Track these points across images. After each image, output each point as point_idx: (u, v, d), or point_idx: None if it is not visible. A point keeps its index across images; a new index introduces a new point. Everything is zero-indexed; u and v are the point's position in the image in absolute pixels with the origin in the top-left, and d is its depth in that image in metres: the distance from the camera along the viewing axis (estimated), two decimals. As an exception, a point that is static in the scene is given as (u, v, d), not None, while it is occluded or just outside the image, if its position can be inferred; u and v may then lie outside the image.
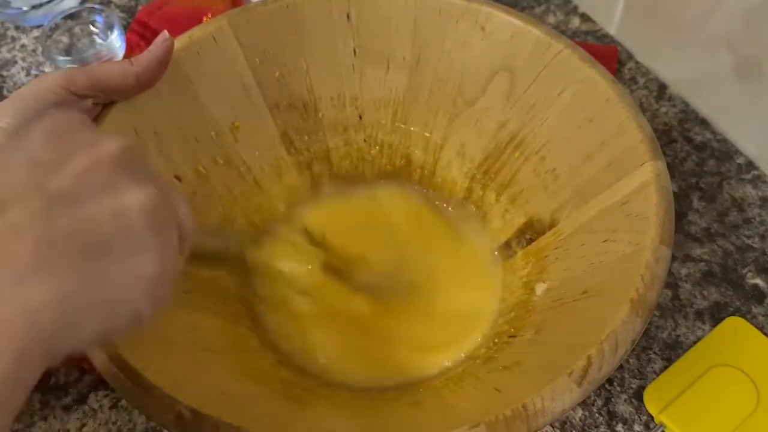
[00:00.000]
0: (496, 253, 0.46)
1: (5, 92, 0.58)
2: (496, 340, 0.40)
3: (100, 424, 0.42)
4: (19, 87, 0.58)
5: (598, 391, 0.43)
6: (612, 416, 0.42)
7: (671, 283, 0.47)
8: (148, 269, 0.25)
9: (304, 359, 0.42)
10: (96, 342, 0.26)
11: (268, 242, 0.45)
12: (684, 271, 0.47)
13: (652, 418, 0.41)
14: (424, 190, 0.50)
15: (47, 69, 0.60)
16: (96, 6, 0.60)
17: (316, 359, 0.42)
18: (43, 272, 0.23)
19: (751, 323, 0.44)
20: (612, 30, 0.60)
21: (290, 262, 0.43)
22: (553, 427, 0.42)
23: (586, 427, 0.42)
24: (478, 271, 0.45)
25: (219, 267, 0.42)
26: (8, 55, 0.61)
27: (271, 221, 0.47)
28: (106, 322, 0.25)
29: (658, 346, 0.44)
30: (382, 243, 0.47)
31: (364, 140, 0.49)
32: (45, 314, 0.22)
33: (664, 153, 0.38)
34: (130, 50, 0.60)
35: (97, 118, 0.39)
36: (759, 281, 0.47)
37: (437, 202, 0.49)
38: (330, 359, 0.42)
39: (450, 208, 0.49)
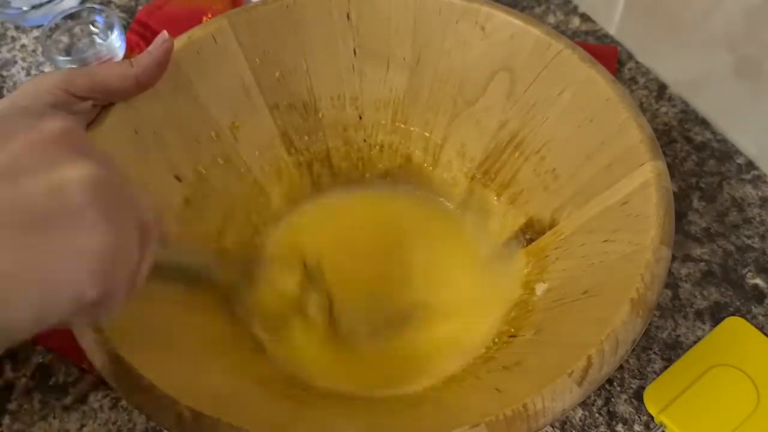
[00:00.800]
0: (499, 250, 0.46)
1: (5, 92, 0.58)
2: (496, 340, 0.40)
3: (100, 424, 0.42)
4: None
5: (598, 391, 0.43)
6: (612, 416, 0.42)
7: (671, 283, 0.47)
8: (90, 246, 0.24)
9: (301, 377, 0.42)
10: (37, 324, 0.24)
11: (261, 274, 0.44)
12: (684, 271, 0.47)
13: (652, 418, 0.41)
14: (424, 191, 0.49)
15: (47, 69, 0.60)
16: (96, 6, 0.60)
17: (313, 379, 0.41)
18: None
19: (751, 323, 0.44)
20: (612, 30, 0.60)
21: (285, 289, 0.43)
22: (553, 427, 0.42)
23: (586, 427, 0.42)
24: (478, 271, 0.45)
25: (195, 285, 0.39)
26: (8, 55, 0.61)
27: (269, 223, 0.47)
28: (43, 301, 0.24)
29: (658, 346, 0.44)
30: (382, 243, 0.47)
31: (364, 140, 0.49)
32: None
33: (664, 153, 0.38)
34: (130, 50, 0.60)
35: (96, 119, 0.39)
36: (759, 281, 0.47)
37: (437, 202, 0.49)
38: (327, 379, 0.41)
39: (450, 208, 0.49)
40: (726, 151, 0.53)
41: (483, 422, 0.29)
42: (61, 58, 0.56)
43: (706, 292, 0.46)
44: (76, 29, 0.61)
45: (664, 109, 0.55)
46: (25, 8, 0.61)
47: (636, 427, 0.42)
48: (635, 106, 0.39)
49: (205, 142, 0.44)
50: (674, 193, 0.38)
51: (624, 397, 0.43)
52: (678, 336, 0.45)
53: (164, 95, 0.42)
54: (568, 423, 0.42)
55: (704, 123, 0.55)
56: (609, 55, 0.58)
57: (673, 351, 0.44)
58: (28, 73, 0.60)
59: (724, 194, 0.51)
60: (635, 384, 0.43)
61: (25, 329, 0.24)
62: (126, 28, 0.62)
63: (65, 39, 0.60)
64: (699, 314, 0.46)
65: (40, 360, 0.45)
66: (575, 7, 0.63)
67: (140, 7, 0.64)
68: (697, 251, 0.48)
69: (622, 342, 0.31)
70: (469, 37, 0.45)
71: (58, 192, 0.24)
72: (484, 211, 0.47)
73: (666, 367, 0.43)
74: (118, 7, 0.65)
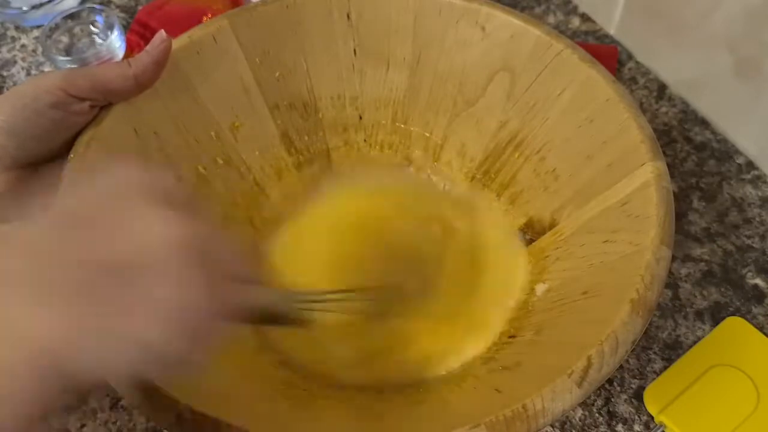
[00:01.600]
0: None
1: (5, 92, 0.58)
2: (497, 341, 0.40)
3: (100, 424, 0.42)
4: (19, 87, 0.58)
5: (598, 391, 0.43)
6: (612, 416, 0.42)
7: (671, 283, 0.47)
8: (167, 299, 0.24)
9: (304, 357, 0.42)
10: (102, 369, 0.24)
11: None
12: (684, 271, 0.47)
13: (652, 418, 0.41)
14: (424, 190, 0.49)
15: (47, 69, 0.60)
16: (96, 6, 0.60)
17: (318, 358, 0.41)
18: (56, 295, 0.23)
19: (751, 323, 0.44)
20: (612, 30, 0.60)
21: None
22: (553, 427, 0.42)
23: (586, 427, 0.42)
24: (478, 271, 0.45)
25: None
26: (8, 55, 0.61)
27: (269, 223, 0.47)
28: (120, 351, 0.24)
29: (658, 346, 0.44)
30: (382, 243, 0.46)
31: (364, 140, 0.49)
32: (55, 335, 0.22)
33: (664, 153, 0.38)
34: (130, 50, 0.60)
35: (96, 119, 0.39)
36: (759, 281, 0.47)
37: (437, 202, 0.49)
38: (335, 360, 0.41)
39: (450, 208, 0.49)
40: (726, 151, 0.53)
41: (483, 423, 0.29)
42: (61, 58, 0.56)
43: (706, 292, 0.46)
44: (76, 29, 0.61)
45: (664, 109, 0.55)
46: (25, 8, 0.61)
47: (636, 427, 0.42)
48: (635, 106, 0.39)
49: (205, 142, 0.44)
50: (674, 193, 0.38)
51: (624, 397, 0.43)
52: (678, 336, 0.45)
53: (164, 95, 0.42)
54: (568, 423, 0.42)
55: (704, 123, 0.55)
56: (609, 55, 0.58)
57: (673, 351, 0.44)
58: (28, 73, 0.60)
59: (724, 194, 0.51)
60: (635, 384, 0.43)
61: (89, 376, 0.24)
62: (126, 28, 0.62)
63: (65, 39, 0.60)
64: (699, 314, 0.46)
65: (40, 360, 0.45)
66: (575, 7, 0.63)
67: (140, 7, 0.64)
68: (697, 251, 0.48)
69: (622, 342, 0.31)
70: (470, 37, 0.45)
71: (143, 246, 0.24)
72: (484, 212, 0.47)
73: (666, 367, 0.43)
74: (118, 7, 0.65)
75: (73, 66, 0.57)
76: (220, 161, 0.45)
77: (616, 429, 0.42)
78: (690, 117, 0.55)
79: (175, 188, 0.27)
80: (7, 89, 0.59)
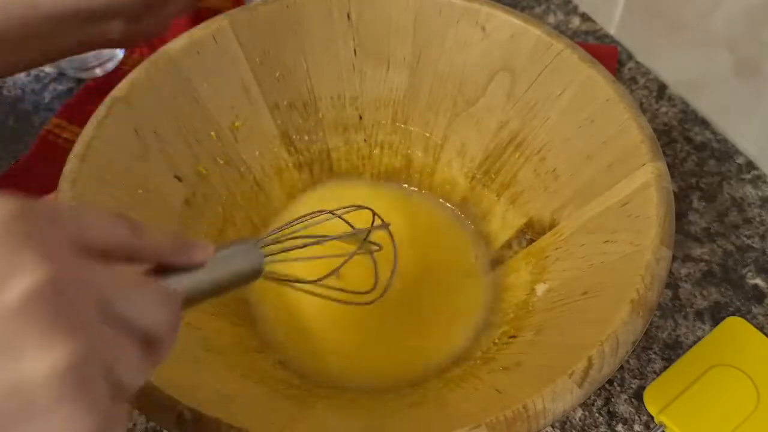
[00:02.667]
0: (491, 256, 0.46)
1: (5, 92, 0.58)
2: (497, 341, 0.40)
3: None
4: (19, 87, 0.58)
5: (598, 391, 0.43)
6: (612, 416, 0.42)
7: (671, 283, 0.47)
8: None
9: (306, 363, 0.42)
10: None
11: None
12: (684, 271, 0.47)
13: (652, 418, 0.42)
14: (424, 191, 0.49)
15: (47, 69, 0.59)
16: (96, 5, 0.60)
17: (319, 361, 0.42)
18: None
19: (751, 323, 0.44)
20: (612, 30, 0.60)
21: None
22: (553, 427, 0.42)
23: (586, 427, 0.42)
24: (474, 271, 0.45)
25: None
26: (8, 55, 0.61)
27: (269, 223, 0.47)
28: None
29: (658, 346, 0.44)
30: (382, 243, 0.46)
31: (364, 140, 0.49)
32: None
33: (664, 153, 0.38)
34: (131, 50, 0.60)
35: (96, 118, 0.39)
36: (759, 281, 0.47)
37: (437, 202, 0.49)
38: (334, 361, 0.42)
39: (450, 208, 0.49)
40: (726, 151, 0.53)
41: (483, 423, 0.29)
42: (61, 57, 0.56)
43: (706, 292, 0.46)
44: (76, 29, 0.61)
45: (664, 109, 0.55)
46: (24, 8, 0.61)
47: (636, 427, 0.42)
48: (636, 106, 0.39)
49: (205, 142, 0.44)
50: (674, 193, 0.38)
51: (624, 397, 0.43)
52: (678, 336, 0.45)
53: (164, 95, 0.42)
54: (568, 423, 0.42)
55: (704, 123, 0.55)
56: (609, 55, 0.58)
57: (673, 351, 0.44)
58: (28, 73, 0.60)
59: (724, 194, 0.51)
60: (635, 384, 0.43)
61: None
62: (126, 28, 0.62)
63: (65, 39, 0.60)
64: (699, 314, 0.46)
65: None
66: (575, 7, 0.63)
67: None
68: (697, 251, 0.48)
69: (623, 343, 0.31)
70: (470, 37, 0.45)
71: (17, 394, 0.19)
72: (484, 212, 0.47)
73: (666, 367, 0.43)
74: (117, 6, 0.65)
75: (72, 65, 0.57)
76: (221, 161, 0.45)
77: (616, 429, 0.42)
78: (690, 117, 0.55)
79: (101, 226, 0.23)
80: (7, 89, 0.59)
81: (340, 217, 0.38)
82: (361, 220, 0.40)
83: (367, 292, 0.39)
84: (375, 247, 0.39)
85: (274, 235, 0.33)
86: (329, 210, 0.37)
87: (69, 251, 0.21)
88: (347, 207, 0.38)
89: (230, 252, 0.29)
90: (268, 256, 0.31)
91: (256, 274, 0.30)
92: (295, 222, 0.36)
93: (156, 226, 0.28)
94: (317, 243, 0.36)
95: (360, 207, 0.38)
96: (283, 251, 0.33)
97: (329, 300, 0.37)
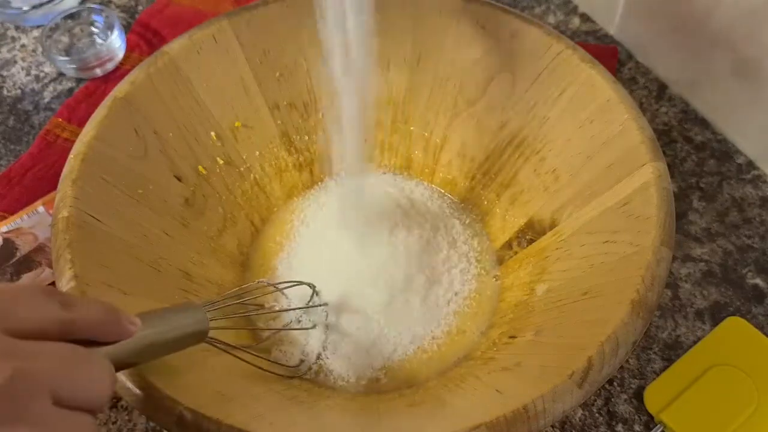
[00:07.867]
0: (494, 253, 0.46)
1: (5, 92, 0.58)
2: (497, 341, 0.40)
3: (100, 424, 0.42)
4: (19, 87, 0.58)
5: (598, 392, 0.43)
6: (612, 416, 0.42)
7: (671, 283, 0.47)
8: None
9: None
10: None
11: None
12: (684, 271, 0.47)
13: (652, 418, 0.41)
14: (424, 191, 0.49)
15: (47, 69, 0.60)
16: (96, 6, 0.60)
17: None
18: None
19: (751, 323, 0.44)
20: (612, 30, 0.60)
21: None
22: (553, 427, 0.42)
23: (586, 427, 0.42)
24: (474, 271, 0.45)
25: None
26: (8, 55, 0.61)
27: (269, 223, 0.47)
28: None
29: (658, 346, 0.44)
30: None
31: (365, 140, 0.49)
32: None
33: (664, 153, 0.38)
34: (130, 50, 0.60)
35: (96, 118, 0.39)
36: (759, 281, 0.47)
37: (437, 203, 0.49)
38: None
39: (450, 208, 0.49)
40: (726, 151, 0.53)
41: (483, 423, 0.29)
42: (61, 58, 0.56)
43: (706, 292, 0.46)
44: (76, 29, 0.60)
45: (664, 109, 0.55)
46: (25, 8, 0.61)
47: (636, 427, 0.42)
48: (636, 106, 0.39)
49: (205, 142, 0.44)
50: (674, 193, 0.38)
51: (624, 397, 0.43)
52: (678, 336, 0.45)
53: (164, 95, 0.42)
54: (568, 423, 0.42)
55: (704, 123, 0.55)
56: (609, 55, 0.58)
57: (673, 351, 0.44)
58: (28, 73, 0.60)
59: (724, 194, 0.51)
60: (635, 384, 0.43)
61: None
62: (126, 29, 0.62)
63: (65, 39, 0.60)
64: (699, 314, 0.46)
65: (41, 360, 0.45)
66: (575, 7, 0.63)
67: (140, 8, 0.64)
68: (697, 251, 0.48)
69: (623, 343, 0.31)
70: (470, 37, 0.45)
71: None
72: (484, 212, 0.47)
73: (666, 367, 0.43)
74: (118, 7, 0.65)
75: (72, 66, 0.57)
76: (221, 161, 0.45)
77: (616, 429, 0.42)
78: (690, 117, 0.55)
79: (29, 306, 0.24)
80: (7, 89, 0.59)
81: (281, 291, 0.42)
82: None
83: (296, 366, 0.41)
84: (308, 324, 0.42)
85: (219, 301, 0.35)
86: (272, 283, 0.42)
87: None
88: (289, 282, 0.41)
89: (173, 316, 0.31)
90: (212, 320, 0.33)
91: (200, 335, 0.32)
92: (241, 291, 0.40)
93: (90, 298, 0.30)
94: (257, 313, 0.40)
95: (301, 282, 0.42)
96: (224, 318, 0.36)
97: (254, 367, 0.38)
